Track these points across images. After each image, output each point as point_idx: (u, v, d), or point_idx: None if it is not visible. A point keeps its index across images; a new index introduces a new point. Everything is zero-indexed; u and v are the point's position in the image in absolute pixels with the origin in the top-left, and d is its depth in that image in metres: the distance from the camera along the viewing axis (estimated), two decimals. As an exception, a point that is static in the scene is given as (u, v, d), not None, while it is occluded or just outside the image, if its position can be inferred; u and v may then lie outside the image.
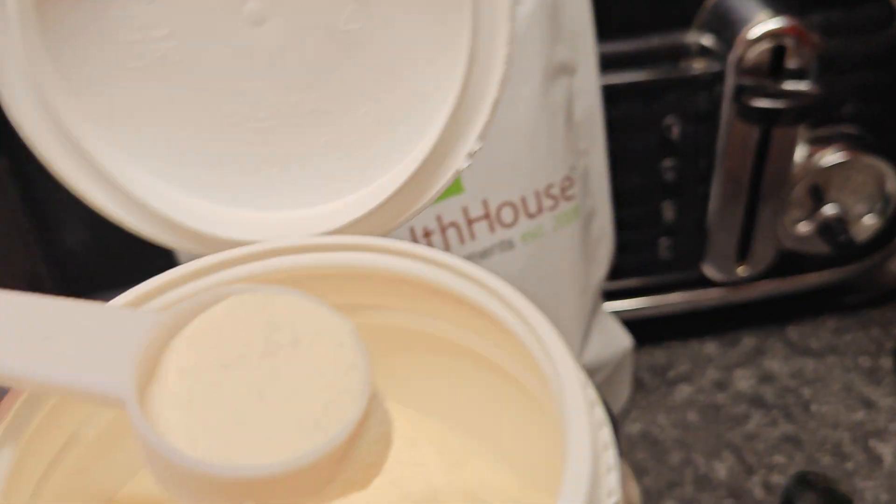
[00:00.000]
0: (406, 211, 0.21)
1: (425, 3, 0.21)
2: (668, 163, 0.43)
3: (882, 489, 0.42)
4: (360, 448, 0.17)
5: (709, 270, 0.47)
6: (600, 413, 0.18)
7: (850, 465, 0.43)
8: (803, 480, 0.32)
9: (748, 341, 0.51)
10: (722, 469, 0.44)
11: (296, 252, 0.21)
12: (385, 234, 0.22)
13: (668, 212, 0.45)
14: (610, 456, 0.17)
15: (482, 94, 0.21)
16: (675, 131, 0.42)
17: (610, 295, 0.47)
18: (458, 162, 0.21)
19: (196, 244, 0.21)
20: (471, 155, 0.21)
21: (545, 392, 0.19)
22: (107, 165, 0.21)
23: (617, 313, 0.47)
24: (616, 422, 0.30)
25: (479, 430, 0.25)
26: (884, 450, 0.44)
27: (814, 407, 0.47)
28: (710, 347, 0.51)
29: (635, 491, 0.34)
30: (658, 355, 0.51)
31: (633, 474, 0.35)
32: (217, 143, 0.22)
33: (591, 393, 0.18)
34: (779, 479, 0.43)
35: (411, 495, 0.24)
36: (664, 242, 0.46)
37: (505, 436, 0.25)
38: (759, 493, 0.42)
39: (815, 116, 0.42)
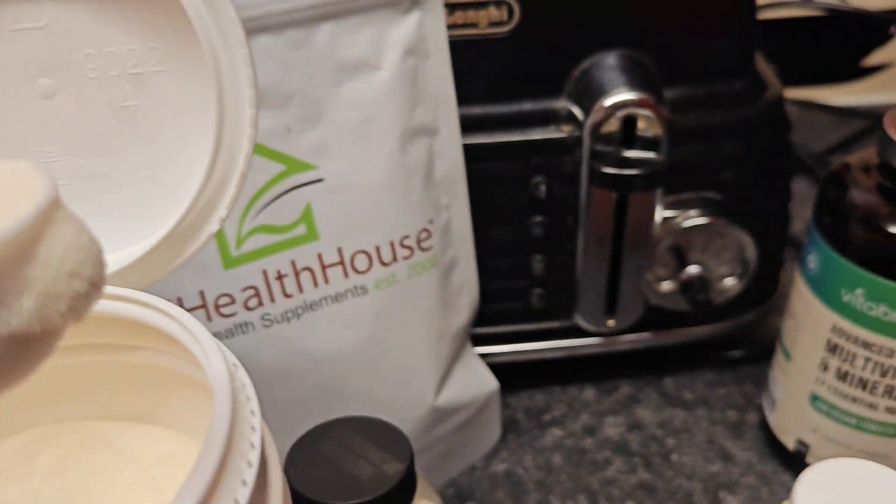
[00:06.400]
0: (164, 268, 0.24)
1: (188, 91, 0.24)
2: (536, 219, 0.46)
3: (721, 539, 0.44)
4: (50, 250, 0.16)
5: (580, 321, 0.49)
6: (243, 376, 0.22)
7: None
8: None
9: (625, 389, 0.53)
10: (575, 511, 0.46)
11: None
12: (150, 285, 0.25)
13: (538, 265, 0.47)
14: (252, 409, 0.21)
15: (231, 169, 0.24)
16: (542, 190, 0.45)
17: (486, 339, 0.50)
18: (212, 226, 0.24)
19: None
20: (222, 220, 0.24)
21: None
22: None
23: (493, 357, 0.50)
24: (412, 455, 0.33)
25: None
26: (731, 502, 0.46)
27: (674, 457, 0.49)
28: (588, 393, 0.53)
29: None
30: (537, 398, 0.53)
31: (434, 493, 0.37)
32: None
33: (233, 362, 0.22)
34: (627, 524, 0.45)
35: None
36: (536, 293, 0.48)
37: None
38: (605, 536, 0.45)
39: (671, 183, 0.44)
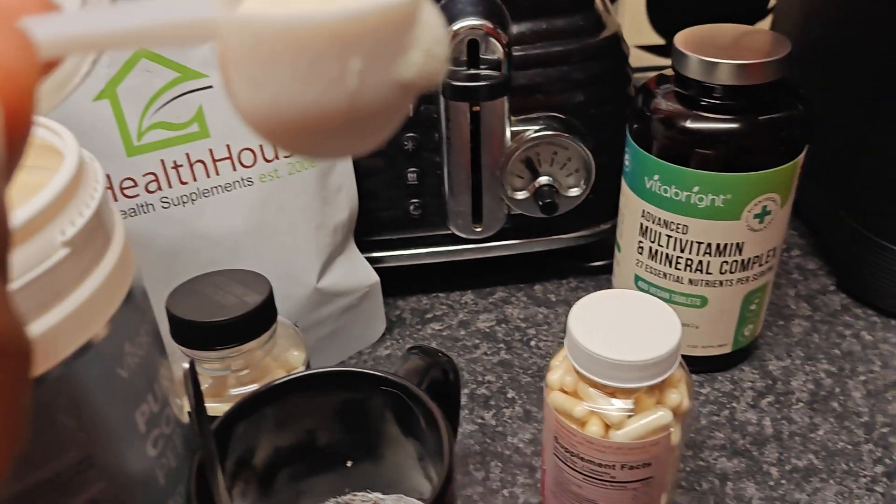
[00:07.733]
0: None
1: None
2: (407, 135, 0.54)
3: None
4: (428, 18, 0.18)
5: (453, 228, 0.58)
6: (98, 168, 0.30)
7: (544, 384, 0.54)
8: (413, 349, 0.42)
9: (500, 294, 0.62)
10: (443, 384, 0.54)
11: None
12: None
13: (412, 176, 0.56)
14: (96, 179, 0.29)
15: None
16: (411, 108, 0.53)
17: (375, 245, 0.58)
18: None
19: None
20: (94, 61, 0.32)
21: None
22: None
23: (382, 261, 0.58)
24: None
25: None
26: (575, 374, 0.54)
27: (533, 343, 0.57)
28: (468, 297, 0.61)
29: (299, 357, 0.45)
30: (423, 301, 0.61)
31: (304, 346, 0.45)
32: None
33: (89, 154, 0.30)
34: (484, 392, 0.53)
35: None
36: (413, 203, 0.57)
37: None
38: (464, 400, 0.53)
39: (520, 105, 0.53)
